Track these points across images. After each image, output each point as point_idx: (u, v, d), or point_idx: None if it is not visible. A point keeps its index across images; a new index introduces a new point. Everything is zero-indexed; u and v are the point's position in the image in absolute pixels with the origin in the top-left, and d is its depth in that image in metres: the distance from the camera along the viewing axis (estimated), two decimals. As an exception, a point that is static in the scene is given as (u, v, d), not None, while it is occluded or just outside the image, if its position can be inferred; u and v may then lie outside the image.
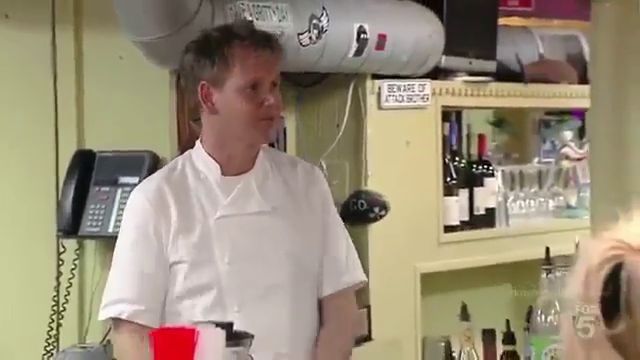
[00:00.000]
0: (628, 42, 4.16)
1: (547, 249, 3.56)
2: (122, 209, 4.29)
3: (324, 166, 4.76)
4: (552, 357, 3.30)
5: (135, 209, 3.62)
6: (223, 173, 3.56)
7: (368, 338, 4.74)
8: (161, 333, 2.70)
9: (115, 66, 4.45)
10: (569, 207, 5.71)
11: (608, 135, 4.04)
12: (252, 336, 2.93)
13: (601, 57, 3.88)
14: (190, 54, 3.52)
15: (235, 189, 3.55)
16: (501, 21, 5.35)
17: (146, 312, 3.43)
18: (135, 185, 4.11)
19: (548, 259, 3.53)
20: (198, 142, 3.64)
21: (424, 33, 4.82)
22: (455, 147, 5.37)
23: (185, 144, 4.30)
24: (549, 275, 3.49)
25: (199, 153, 3.61)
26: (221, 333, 2.73)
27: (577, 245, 4.03)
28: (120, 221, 4.25)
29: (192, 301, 3.48)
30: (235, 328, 2.91)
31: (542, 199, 5.79)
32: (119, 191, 4.42)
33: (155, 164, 4.34)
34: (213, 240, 3.50)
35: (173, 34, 4.03)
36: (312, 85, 4.86)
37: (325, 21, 4.37)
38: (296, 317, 3.55)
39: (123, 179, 4.43)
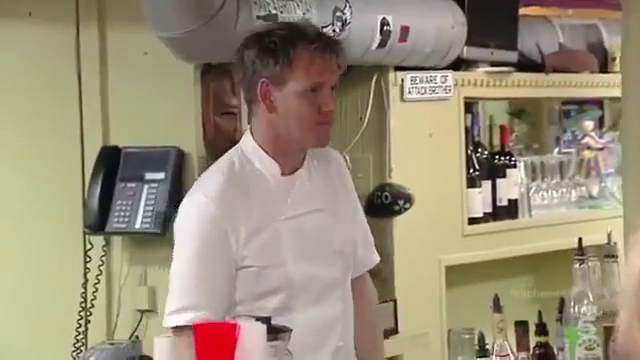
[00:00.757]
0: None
1: (580, 239, 3.53)
2: (149, 205, 4.33)
3: (348, 159, 4.75)
4: (586, 348, 3.29)
5: (199, 213, 3.43)
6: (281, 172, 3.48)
7: (394, 331, 4.74)
8: (203, 327, 2.69)
9: (139, 62, 4.46)
10: (591, 197, 5.71)
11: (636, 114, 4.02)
12: (290, 330, 2.93)
13: (634, 44, 3.86)
14: (252, 50, 3.40)
15: (294, 188, 3.49)
16: (521, 11, 5.33)
17: (212, 319, 3.33)
18: (161, 181, 4.12)
19: (581, 249, 3.50)
20: (249, 138, 3.52)
21: (446, 24, 4.81)
22: (477, 138, 5.36)
23: (211, 139, 4.32)
24: (582, 266, 3.47)
25: (255, 150, 3.50)
26: (262, 327, 2.72)
27: (609, 235, 4.04)
28: (147, 217, 4.28)
29: (260, 303, 3.40)
30: (274, 323, 2.92)
31: (564, 190, 5.78)
32: (145, 187, 4.42)
33: (180, 159, 4.35)
34: (282, 242, 3.42)
35: (199, 29, 4.03)
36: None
37: (349, 13, 4.37)
38: (347, 308, 3.56)
39: (149, 175, 4.42)
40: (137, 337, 4.35)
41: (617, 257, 3.60)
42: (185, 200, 3.49)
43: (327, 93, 3.39)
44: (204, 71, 4.25)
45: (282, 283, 3.41)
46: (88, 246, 4.55)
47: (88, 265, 4.54)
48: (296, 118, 3.39)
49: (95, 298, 4.54)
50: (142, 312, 4.45)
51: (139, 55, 4.44)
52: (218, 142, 4.31)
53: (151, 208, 4.39)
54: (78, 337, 4.53)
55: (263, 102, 3.40)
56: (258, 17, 4.09)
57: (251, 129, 3.53)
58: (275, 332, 2.87)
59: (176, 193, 4.28)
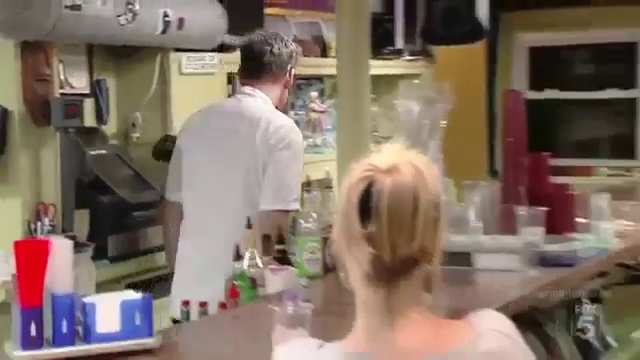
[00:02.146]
0: (361, 26, 4.19)
1: (307, 176, 3.63)
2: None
3: (139, 117, 4.71)
4: (310, 252, 3.35)
5: (299, 135, 4.09)
6: None
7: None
8: (22, 244, 2.57)
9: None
10: (316, 146, 5.79)
11: (349, 93, 4.07)
12: (90, 245, 2.88)
13: (343, 36, 3.93)
14: (286, 50, 4.13)
15: None
16: (266, 11, 5.35)
17: None
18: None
19: (308, 183, 3.57)
20: (265, 96, 4.08)
21: (212, 17, 4.79)
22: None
23: (30, 100, 4.18)
24: (309, 194, 3.54)
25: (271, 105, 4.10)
26: (69, 243, 2.62)
27: (327, 172, 4.12)
28: None
29: None
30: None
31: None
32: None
33: (5, 115, 4.13)
34: None
35: (19, 13, 3.94)
36: (129, 56, 4.75)
37: (138, 6, 4.29)
38: None
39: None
40: None
41: (332, 188, 3.74)
42: (286, 121, 4.05)
43: None
44: (23, 47, 4.13)
45: None
46: None
47: None
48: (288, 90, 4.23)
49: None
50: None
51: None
52: (35, 102, 4.19)
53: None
54: None
55: (286, 81, 4.13)
56: (66, 6, 3.96)
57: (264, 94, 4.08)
58: (79, 246, 2.81)
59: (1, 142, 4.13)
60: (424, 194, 1.85)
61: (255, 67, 4.09)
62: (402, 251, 1.83)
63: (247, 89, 4.10)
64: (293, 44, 4.19)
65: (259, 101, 4.06)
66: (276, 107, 4.10)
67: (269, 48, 4.08)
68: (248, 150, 3.94)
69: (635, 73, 7.04)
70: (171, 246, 4.15)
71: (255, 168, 3.91)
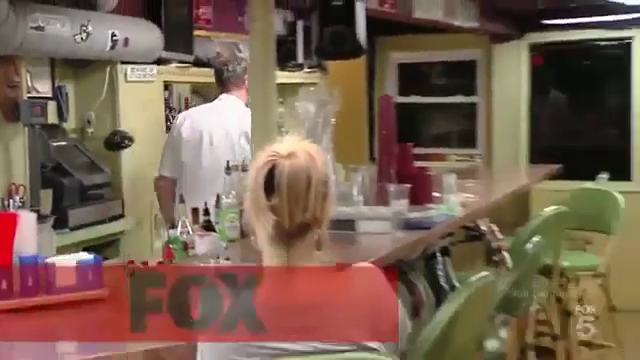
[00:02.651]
0: (269, 45, 4.14)
1: (228, 162, 3.57)
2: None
3: (93, 116, 4.60)
4: (229, 221, 3.32)
5: None
6: None
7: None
8: (-7, 216, 2.50)
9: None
10: None
11: (259, 95, 4.02)
12: (54, 216, 2.80)
13: (255, 53, 3.87)
14: (240, 67, 4.50)
15: None
16: (196, 32, 5.23)
17: None
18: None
19: (228, 168, 3.53)
20: (235, 98, 4.48)
21: (152, 37, 4.66)
22: (172, 105, 5.21)
23: (2, 102, 4.03)
24: (229, 175, 3.50)
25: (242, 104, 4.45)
26: (33, 215, 2.54)
27: (244, 159, 4.06)
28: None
29: None
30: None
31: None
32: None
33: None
34: None
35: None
36: (84, 67, 4.59)
37: (90, 28, 4.15)
38: None
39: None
40: None
41: (247, 171, 3.65)
42: None
43: None
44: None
45: None
46: None
47: None
48: None
49: None
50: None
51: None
52: (7, 103, 4.04)
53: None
54: None
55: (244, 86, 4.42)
56: (31, 27, 3.82)
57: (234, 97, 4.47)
58: (42, 218, 2.73)
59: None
60: (315, 174, 1.86)
61: (220, 81, 4.55)
62: (298, 219, 1.84)
63: (222, 95, 4.54)
64: (244, 62, 4.52)
65: (233, 102, 4.49)
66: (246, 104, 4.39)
67: (226, 67, 4.53)
68: (231, 135, 4.40)
69: (475, 84, 7.17)
70: (165, 211, 4.31)
71: (233, 148, 4.36)
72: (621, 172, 6.33)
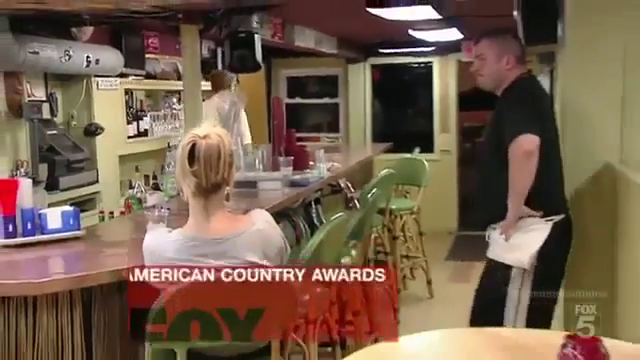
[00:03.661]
0: (195, 65, 3.97)
1: (168, 143, 3.42)
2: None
3: (75, 113, 4.35)
4: (171, 183, 3.15)
5: None
6: None
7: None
8: (2, 182, 2.33)
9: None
10: (176, 128, 5.33)
11: (190, 97, 3.87)
12: (44, 182, 2.62)
13: (187, 70, 3.73)
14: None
15: None
16: (148, 56, 4.96)
17: None
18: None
19: (169, 147, 3.39)
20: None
21: (115, 58, 4.43)
22: (132, 105, 4.89)
23: (10, 104, 3.78)
24: (170, 153, 3.36)
25: None
26: (29, 181, 2.38)
27: (179, 140, 3.89)
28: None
29: None
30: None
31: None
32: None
33: (-3, 113, 3.73)
34: None
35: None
36: (69, 79, 4.33)
37: (72, 52, 3.92)
38: None
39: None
40: None
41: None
42: None
43: None
44: (5, 74, 3.76)
45: None
46: None
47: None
48: None
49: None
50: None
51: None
52: (13, 105, 3.82)
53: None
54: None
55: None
56: (29, 52, 3.57)
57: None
58: (38, 183, 2.56)
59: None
60: (223, 149, 1.82)
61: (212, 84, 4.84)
62: (212, 180, 1.80)
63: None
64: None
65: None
66: None
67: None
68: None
69: (337, 90, 7.20)
70: None
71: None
72: (428, 147, 6.52)
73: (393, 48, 6.50)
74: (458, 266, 5.06)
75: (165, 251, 1.78)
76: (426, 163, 4.65)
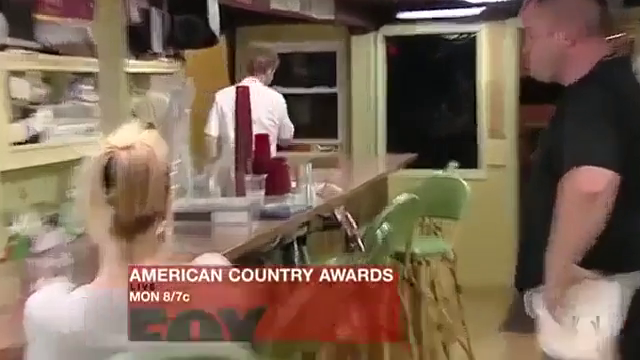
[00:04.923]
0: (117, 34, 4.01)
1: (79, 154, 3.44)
2: None
3: None
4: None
5: None
6: None
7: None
8: None
9: None
10: (90, 130, 5.39)
11: (107, 84, 3.87)
12: None
13: (103, 41, 3.74)
14: None
15: None
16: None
17: None
18: None
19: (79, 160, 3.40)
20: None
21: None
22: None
23: None
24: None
25: None
26: None
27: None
28: None
29: None
30: None
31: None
32: None
33: None
34: None
35: None
36: None
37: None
38: None
39: None
40: None
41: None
42: None
43: None
44: None
45: None
46: None
47: None
48: None
49: None
50: None
51: None
52: None
53: None
54: None
55: None
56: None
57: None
58: None
59: None
60: (154, 166, 1.81)
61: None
62: (137, 212, 1.80)
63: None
64: None
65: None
66: None
67: None
68: None
69: (335, 74, 7.23)
70: None
71: None
72: (470, 160, 6.56)
73: (417, 10, 6.54)
74: (517, 340, 5.05)
75: (60, 325, 1.74)
76: (467, 185, 4.68)
